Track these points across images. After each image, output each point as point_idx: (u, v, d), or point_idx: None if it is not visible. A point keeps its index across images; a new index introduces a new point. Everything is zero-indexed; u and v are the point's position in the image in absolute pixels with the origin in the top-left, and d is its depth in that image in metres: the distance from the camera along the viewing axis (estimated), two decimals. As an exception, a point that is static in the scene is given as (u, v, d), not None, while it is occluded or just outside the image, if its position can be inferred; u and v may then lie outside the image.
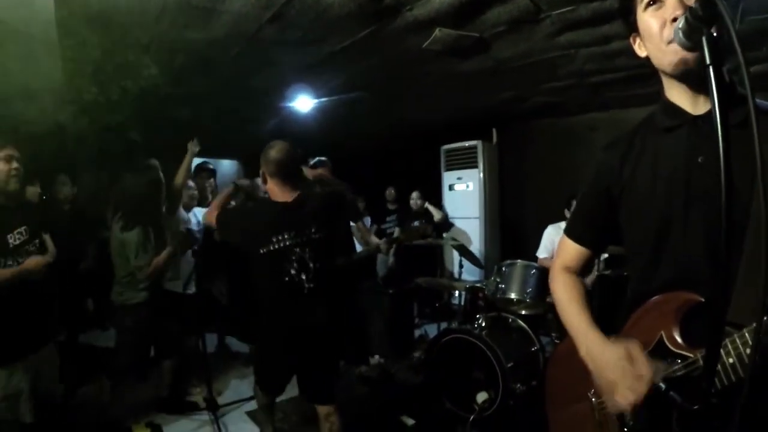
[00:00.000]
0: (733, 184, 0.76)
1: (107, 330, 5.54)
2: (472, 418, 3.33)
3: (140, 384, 3.69)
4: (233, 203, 3.42)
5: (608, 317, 1.40)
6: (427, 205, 6.63)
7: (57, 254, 2.85)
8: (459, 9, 2.96)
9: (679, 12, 1.03)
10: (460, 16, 3.08)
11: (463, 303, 4.53)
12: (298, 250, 2.65)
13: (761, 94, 0.97)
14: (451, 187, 7.28)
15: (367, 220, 6.20)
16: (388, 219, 6.90)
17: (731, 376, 0.97)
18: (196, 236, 4.23)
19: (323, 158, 4.26)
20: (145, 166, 3.75)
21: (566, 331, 1.40)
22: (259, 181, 2.97)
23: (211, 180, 5.06)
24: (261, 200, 2.95)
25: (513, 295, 3.77)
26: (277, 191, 2.75)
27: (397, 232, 6.56)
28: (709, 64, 0.80)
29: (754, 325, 0.92)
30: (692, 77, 1.11)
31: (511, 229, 7.13)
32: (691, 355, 1.08)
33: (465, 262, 5.01)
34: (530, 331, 3.78)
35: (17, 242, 2.55)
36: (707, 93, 1.12)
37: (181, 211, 4.18)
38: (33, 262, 2.57)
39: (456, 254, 5.06)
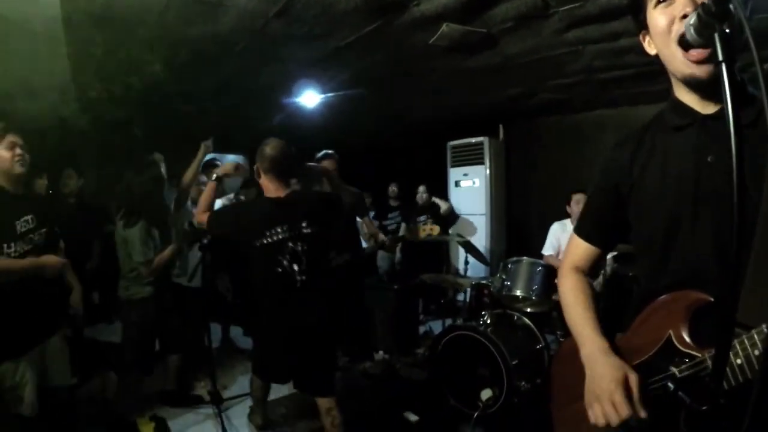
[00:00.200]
0: (745, 183, 0.74)
1: (112, 323, 5.57)
2: (476, 415, 3.33)
3: (145, 378, 3.69)
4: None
5: (615, 316, 1.39)
6: (434, 198, 6.62)
7: (64, 248, 2.89)
8: (466, 4, 2.95)
9: (689, 9, 1.02)
10: (467, 12, 3.06)
11: (468, 300, 4.52)
12: (290, 244, 2.74)
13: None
14: (457, 184, 7.27)
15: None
16: (390, 216, 6.90)
17: (739, 377, 0.96)
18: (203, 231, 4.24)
19: (330, 151, 4.26)
20: (148, 161, 3.74)
21: (571, 330, 1.40)
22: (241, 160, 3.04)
23: (214, 175, 5.07)
24: (255, 197, 3.06)
25: (519, 293, 3.76)
26: (270, 187, 2.86)
27: (402, 228, 6.55)
28: (722, 61, 0.79)
29: (764, 327, 0.91)
30: (702, 86, 1.11)
31: (517, 226, 7.12)
32: (699, 355, 1.07)
33: (471, 259, 5.00)
34: (535, 329, 3.77)
35: (24, 229, 2.56)
36: (717, 92, 1.11)
37: (189, 207, 4.18)
38: (51, 260, 2.59)
39: (462, 251, 5.05)
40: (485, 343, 3.45)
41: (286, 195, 2.84)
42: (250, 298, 3.08)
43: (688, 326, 1.12)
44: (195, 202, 4.38)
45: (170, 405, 3.76)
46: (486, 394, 3.35)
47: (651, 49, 1.22)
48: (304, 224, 2.78)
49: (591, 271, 1.51)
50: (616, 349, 1.24)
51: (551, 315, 4.11)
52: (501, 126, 7.25)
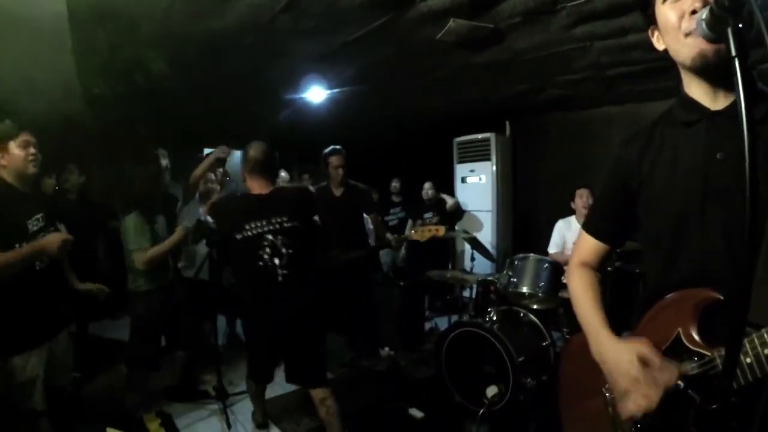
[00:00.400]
0: (758, 179, 0.73)
1: (118, 319, 5.59)
2: (481, 412, 3.32)
3: (151, 373, 3.71)
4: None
5: (620, 312, 1.38)
6: (442, 195, 6.61)
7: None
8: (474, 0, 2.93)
9: (698, 4, 1.02)
10: (474, 7, 3.04)
11: (474, 296, 4.50)
12: (270, 237, 2.85)
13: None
14: (463, 180, 7.25)
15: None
16: (391, 211, 6.89)
17: (748, 376, 0.96)
18: (211, 226, 4.25)
19: (337, 147, 4.26)
20: (148, 155, 3.76)
21: (579, 326, 1.40)
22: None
23: (219, 168, 5.08)
24: (241, 193, 3.21)
25: (525, 289, 3.75)
26: (255, 186, 2.99)
27: (408, 225, 6.55)
28: (735, 56, 0.78)
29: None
30: (710, 71, 1.09)
31: (524, 223, 7.10)
32: (709, 354, 1.06)
33: (477, 255, 4.99)
34: (542, 326, 3.76)
35: (35, 228, 2.58)
36: (726, 88, 1.12)
37: (197, 201, 4.20)
38: (51, 237, 2.54)
39: (468, 247, 5.04)
40: (491, 340, 3.45)
41: (268, 191, 2.96)
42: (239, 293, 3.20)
43: (697, 325, 1.11)
44: (203, 198, 4.41)
45: (176, 400, 3.78)
46: (491, 391, 3.35)
47: (660, 45, 1.21)
48: (284, 218, 2.89)
49: (599, 267, 1.51)
50: None
51: (558, 312, 4.10)
52: (508, 122, 7.23)
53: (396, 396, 3.91)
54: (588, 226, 1.51)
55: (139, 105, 5.11)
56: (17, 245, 2.45)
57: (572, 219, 4.75)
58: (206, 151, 4.07)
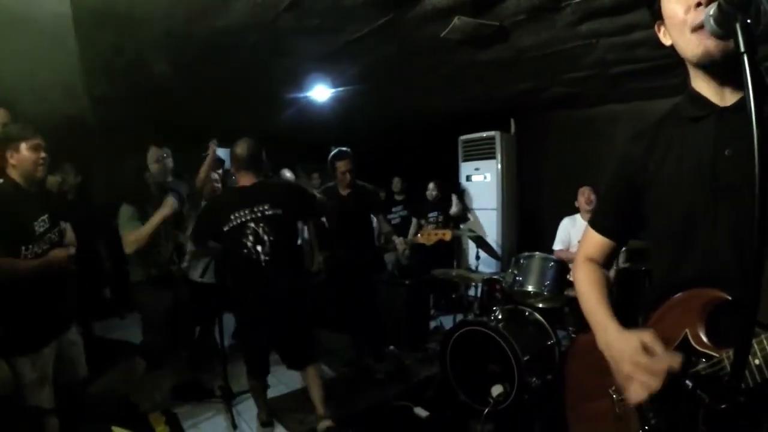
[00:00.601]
0: (767, 175, 0.72)
1: (124, 318, 5.61)
2: (486, 411, 3.31)
3: (157, 372, 3.72)
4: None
5: (626, 311, 1.37)
6: (453, 195, 6.59)
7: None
8: (478, -3, 2.92)
9: None
10: (479, 5, 3.03)
11: (479, 295, 4.49)
12: (252, 225, 3.03)
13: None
14: (468, 178, 7.23)
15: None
16: (393, 209, 6.88)
17: (757, 377, 0.94)
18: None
19: (345, 149, 4.19)
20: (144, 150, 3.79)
21: (585, 325, 1.38)
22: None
23: (219, 170, 5.10)
24: (228, 188, 3.52)
25: (530, 288, 3.73)
26: (243, 180, 3.18)
27: (413, 223, 6.53)
28: (744, 52, 0.77)
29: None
30: (716, 67, 1.08)
31: (529, 221, 7.08)
32: (717, 355, 1.04)
33: (482, 254, 4.98)
34: (547, 325, 3.74)
35: (41, 230, 2.60)
36: (734, 84, 1.10)
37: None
38: (58, 253, 2.62)
39: (473, 246, 5.03)
40: (496, 339, 3.44)
41: (252, 183, 3.15)
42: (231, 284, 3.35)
43: (706, 325, 1.10)
44: (208, 198, 4.41)
45: (181, 399, 3.78)
46: (497, 390, 3.33)
47: (666, 40, 1.19)
48: (265, 207, 3.05)
49: (605, 264, 1.50)
50: None
51: (563, 311, 4.09)
52: (512, 120, 7.21)
53: (400, 395, 3.91)
54: (594, 223, 1.50)
55: (142, 104, 5.12)
56: (24, 248, 2.48)
57: (577, 217, 4.75)
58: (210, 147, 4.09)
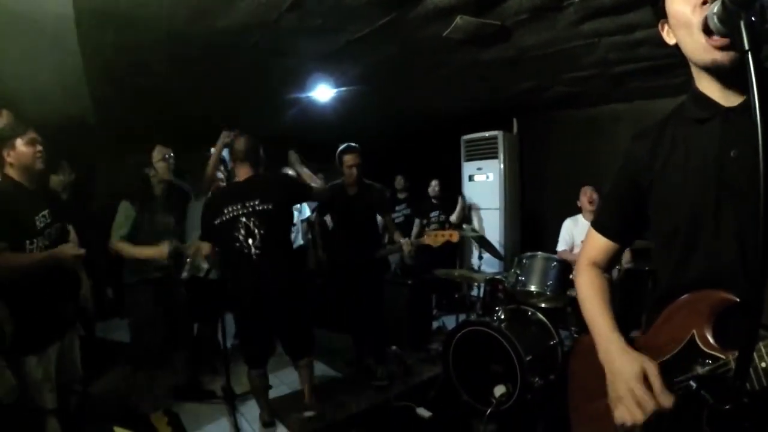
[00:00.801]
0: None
1: (125, 318, 5.60)
2: (489, 411, 3.30)
3: (157, 372, 3.72)
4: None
5: (630, 311, 1.36)
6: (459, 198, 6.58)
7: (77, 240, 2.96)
8: (480, -4, 2.92)
9: None
10: (481, 4, 3.02)
11: (482, 295, 4.48)
12: (243, 219, 3.12)
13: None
14: (470, 178, 7.21)
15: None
16: (397, 208, 6.86)
17: (763, 380, 0.93)
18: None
19: (352, 144, 4.15)
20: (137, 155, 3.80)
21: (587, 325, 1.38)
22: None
23: (222, 168, 5.10)
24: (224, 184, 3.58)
25: (533, 288, 3.72)
26: (240, 174, 3.28)
27: (416, 223, 6.52)
28: (748, 50, 0.76)
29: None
30: (724, 73, 1.06)
31: (532, 221, 7.07)
32: (723, 357, 1.03)
33: (485, 254, 4.98)
34: (550, 325, 3.74)
35: (42, 225, 2.63)
36: (740, 84, 1.08)
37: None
38: (68, 249, 2.63)
39: (476, 245, 5.02)
40: (499, 339, 3.43)
41: (245, 178, 3.24)
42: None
43: (712, 327, 1.09)
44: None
45: (183, 400, 3.78)
46: (499, 390, 3.33)
47: (670, 39, 1.18)
48: (256, 202, 3.13)
49: (608, 266, 1.49)
50: (637, 348, 1.21)
51: (566, 311, 4.07)
52: (515, 120, 7.20)
53: (403, 395, 3.90)
54: (597, 225, 1.48)
55: (144, 105, 5.12)
56: (27, 242, 2.50)
57: (579, 217, 4.74)
58: (212, 150, 4.07)
